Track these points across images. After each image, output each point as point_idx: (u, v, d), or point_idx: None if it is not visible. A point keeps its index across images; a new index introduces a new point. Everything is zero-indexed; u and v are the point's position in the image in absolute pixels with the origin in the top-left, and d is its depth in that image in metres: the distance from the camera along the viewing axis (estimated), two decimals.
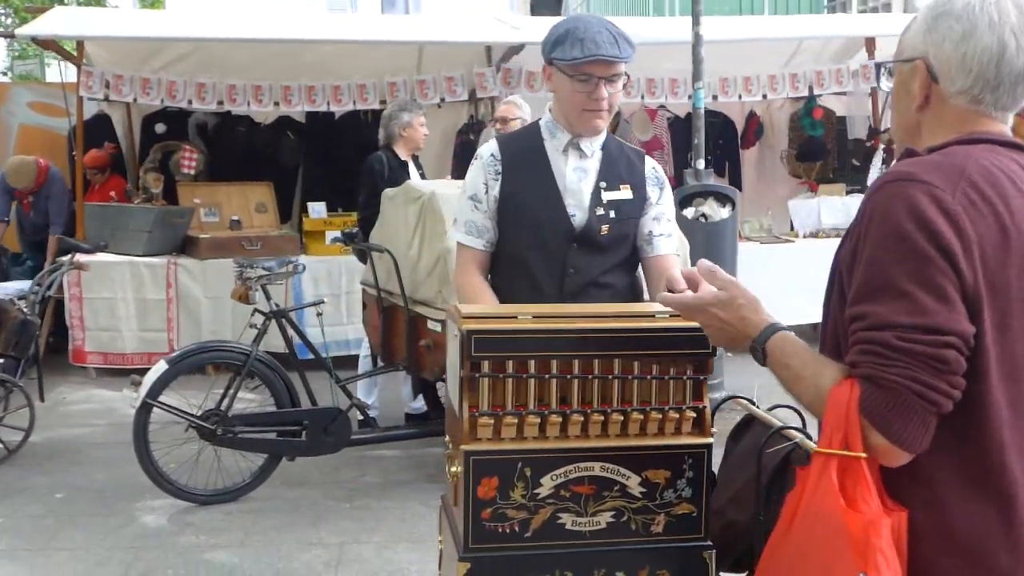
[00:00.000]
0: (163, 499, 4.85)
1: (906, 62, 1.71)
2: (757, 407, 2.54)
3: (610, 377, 2.09)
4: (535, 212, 2.77)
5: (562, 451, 2.07)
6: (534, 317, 2.07)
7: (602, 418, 2.09)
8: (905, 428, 1.51)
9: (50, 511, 4.79)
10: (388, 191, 5.43)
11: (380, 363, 5.61)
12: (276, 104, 8.08)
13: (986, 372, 1.54)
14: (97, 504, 4.88)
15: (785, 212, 9.13)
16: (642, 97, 8.59)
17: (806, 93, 8.97)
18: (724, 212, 6.40)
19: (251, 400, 5.45)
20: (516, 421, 2.06)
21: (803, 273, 8.21)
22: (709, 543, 2.16)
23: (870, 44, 8.89)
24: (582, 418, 2.08)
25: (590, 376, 2.08)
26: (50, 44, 8.11)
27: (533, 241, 2.78)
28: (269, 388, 4.94)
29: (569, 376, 2.07)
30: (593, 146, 2.82)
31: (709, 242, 6.25)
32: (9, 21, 17.52)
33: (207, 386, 5.01)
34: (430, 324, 4.86)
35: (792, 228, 8.77)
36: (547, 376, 2.06)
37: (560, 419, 2.07)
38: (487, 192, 2.81)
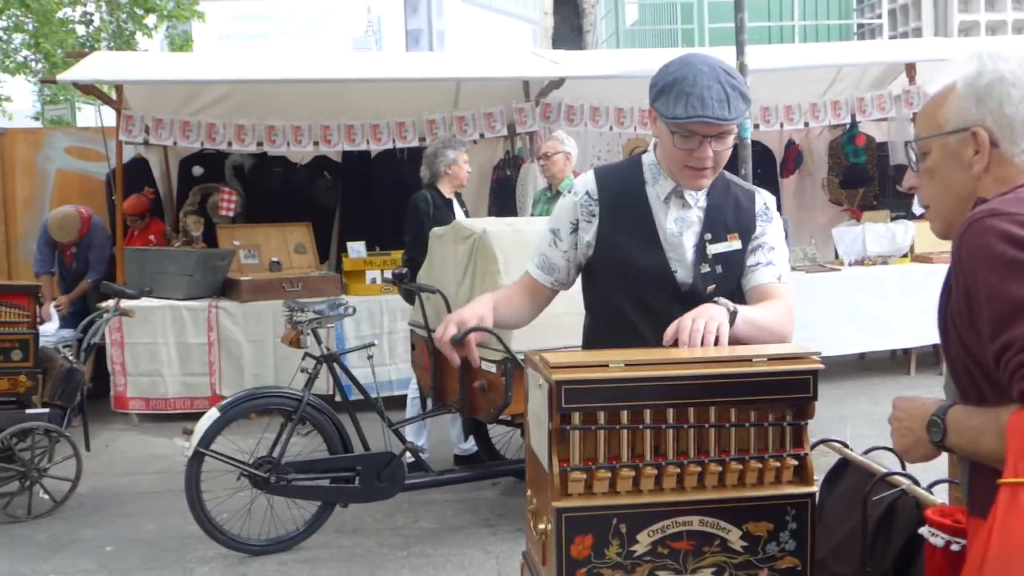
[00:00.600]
0: (215, 550, 4.76)
1: (956, 132, 1.77)
2: (851, 450, 2.43)
3: (706, 426, 1.99)
4: (635, 266, 2.53)
5: (658, 505, 1.97)
6: (626, 365, 1.97)
7: (699, 469, 1.99)
8: None
9: (102, 565, 4.71)
10: (436, 230, 5.36)
11: (430, 405, 5.51)
12: (315, 144, 8.07)
13: None
14: (149, 557, 4.80)
15: (827, 240, 9.01)
16: None
17: (848, 120, 8.85)
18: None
19: (297, 445, 5.35)
20: (609, 475, 1.95)
21: (849, 302, 8.11)
22: None
23: (910, 69, 8.79)
24: (678, 470, 1.98)
25: (685, 425, 1.98)
26: (91, 89, 8.14)
27: (632, 295, 2.54)
28: (321, 434, 4.85)
29: (663, 426, 1.97)
30: (697, 194, 2.56)
31: None
32: (39, 67, 17.76)
33: (255, 432, 4.93)
34: (484, 365, 4.76)
35: (837, 256, 8.64)
36: (640, 427, 1.96)
37: (655, 471, 1.97)
38: (574, 232, 2.62)
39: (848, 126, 9.04)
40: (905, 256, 8.44)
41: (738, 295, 2.55)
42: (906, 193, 9.13)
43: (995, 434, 1.58)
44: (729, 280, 2.55)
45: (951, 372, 1.75)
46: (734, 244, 2.56)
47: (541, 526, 2.04)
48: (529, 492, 2.21)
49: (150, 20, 19.22)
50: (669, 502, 1.97)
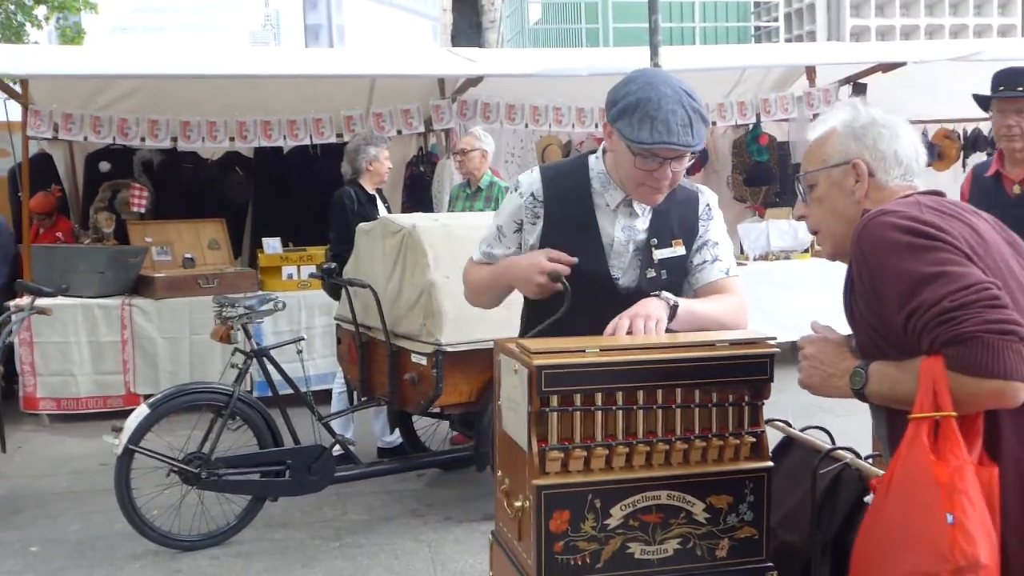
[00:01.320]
0: (145, 546, 4.72)
1: (839, 166, 2.09)
2: (793, 428, 2.60)
3: (672, 406, 2.12)
4: (576, 271, 2.54)
5: (630, 481, 2.09)
6: (601, 350, 2.09)
7: (666, 447, 2.12)
8: (1004, 362, 1.68)
9: (28, 566, 4.63)
10: (363, 225, 5.41)
11: (358, 398, 5.56)
12: (231, 139, 7.99)
13: None
14: (76, 556, 4.73)
15: (732, 235, 9.25)
16: (596, 126, 8.70)
17: (753, 120, 9.16)
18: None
19: (226, 440, 5.33)
20: (584, 454, 2.07)
21: (755, 295, 8.33)
22: (770, 564, 2.20)
23: (810, 72, 9.14)
24: (647, 448, 2.11)
25: (654, 406, 2.10)
26: None
27: (575, 299, 2.53)
28: (252, 428, 4.86)
29: (634, 407, 2.09)
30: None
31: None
32: None
33: (184, 429, 4.91)
34: (414, 358, 4.85)
35: (742, 251, 8.94)
36: (614, 408, 2.08)
37: (626, 450, 2.09)
38: (518, 231, 2.67)
39: (752, 126, 9.35)
40: (806, 251, 8.78)
41: (682, 296, 2.60)
42: None
43: (912, 378, 1.79)
44: (674, 284, 2.61)
45: (860, 350, 1.97)
46: (678, 250, 2.62)
47: (517, 504, 2.15)
48: (500, 473, 2.31)
49: (40, 11, 18.65)
50: (639, 478, 2.09)
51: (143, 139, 7.78)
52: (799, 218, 2.26)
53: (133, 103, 7.96)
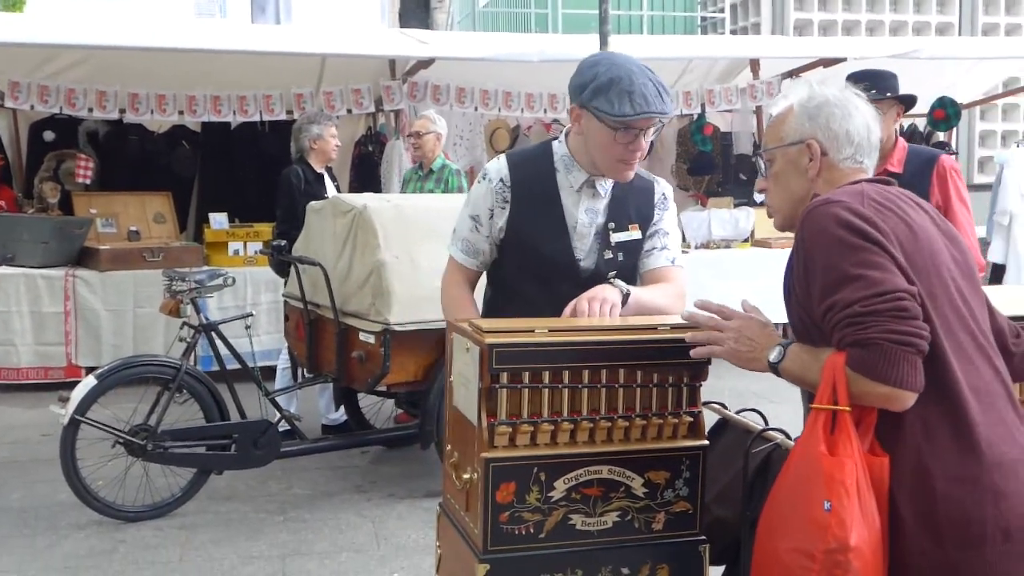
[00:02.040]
0: (88, 517, 4.76)
1: (794, 144, 2.17)
2: (729, 411, 2.74)
3: (615, 386, 2.23)
4: (541, 252, 2.72)
5: (573, 456, 2.20)
6: (549, 331, 2.19)
7: (609, 424, 2.23)
8: (898, 371, 1.83)
9: None
10: (314, 204, 5.46)
11: (304, 374, 5.62)
12: (180, 113, 7.96)
13: (934, 330, 1.91)
14: (19, 525, 4.75)
15: None
16: (544, 111, 8.80)
17: (699, 110, 9.33)
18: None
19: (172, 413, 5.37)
20: (531, 429, 2.18)
21: (696, 282, 8.52)
22: (703, 538, 2.32)
23: (754, 64, 9.31)
24: (591, 425, 2.22)
25: (598, 385, 2.22)
26: None
27: (538, 277, 2.73)
28: (199, 402, 4.90)
29: (579, 385, 2.20)
30: (606, 185, 2.76)
31: None
32: None
33: (130, 401, 4.94)
34: (362, 336, 4.92)
35: (684, 239, 9.11)
36: (560, 386, 2.19)
37: (571, 426, 2.20)
38: (491, 218, 2.77)
39: (696, 116, 9.52)
40: (746, 241, 8.99)
41: (635, 279, 2.79)
42: (748, 181, 9.77)
43: (819, 367, 1.95)
44: (628, 267, 2.77)
45: (792, 330, 2.12)
46: (635, 234, 2.76)
47: (465, 476, 2.25)
48: (450, 447, 2.41)
49: None
50: (582, 453, 2.20)
51: (91, 110, 7.73)
52: (759, 190, 2.39)
53: (81, 73, 7.88)
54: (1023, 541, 1.90)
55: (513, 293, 2.81)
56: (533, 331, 2.18)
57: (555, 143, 2.82)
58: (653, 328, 2.29)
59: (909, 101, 3.91)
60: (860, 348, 1.85)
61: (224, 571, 4.26)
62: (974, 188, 12.38)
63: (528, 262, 2.75)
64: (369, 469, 5.67)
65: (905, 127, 10.64)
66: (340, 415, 6.09)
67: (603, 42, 6.75)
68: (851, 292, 1.87)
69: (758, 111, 9.53)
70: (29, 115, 8.44)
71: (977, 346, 2.01)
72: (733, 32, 15.10)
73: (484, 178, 2.82)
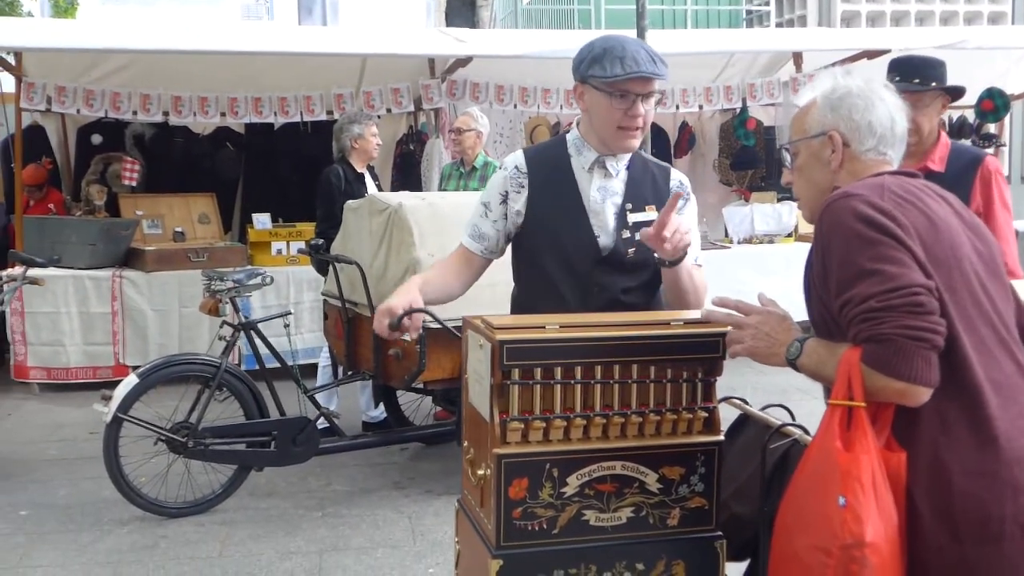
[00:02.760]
0: (131, 513, 4.85)
1: (817, 136, 2.17)
2: (750, 406, 2.72)
3: (629, 381, 2.24)
4: (560, 232, 2.77)
5: (586, 452, 2.21)
6: (561, 327, 2.20)
7: (622, 420, 2.24)
8: (912, 367, 1.82)
9: (18, 528, 4.76)
10: (351, 203, 5.51)
11: (343, 372, 5.68)
12: (222, 115, 8.08)
13: (952, 323, 1.90)
14: (65, 521, 4.86)
15: (717, 219, 9.43)
16: None
17: (740, 104, 9.26)
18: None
19: (213, 411, 5.45)
20: (543, 425, 2.19)
21: (737, 278, 8.46)
22: (720, 534, 2.32)
23: (797, 58, 9.22)
24: (604, 420, 2.22)
25: (611, 381, 2.22)
26: None
27: (558, 259, 2.77)
28: (238, 399, 4.98)
29: (592, 381, 2.21)
30: (619, 166, 2.81)
31: None
32: None
33: (172, 399, 5.03)
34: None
35: (727, 235, 9.06)
36: (573, 382, 2.20)
37: (584, 422, 2.21)
38: (504, 202, 2.83)
39: (739, 110, 9.45)
40: (790, 236, 8.90)
41: (652, 262, 2.79)
42: None
43: (835, 362, 1.94)
44: (647, 247, 2.75)
45: (812, 324, 2.10)
46: (651, 215, 2.78)
47: (480, 472, 2.27)
48: (466, 443, 2.43)
49: None
50: (595, 449, 2.21)
51: (135, 113, 7.88)
52: (786, 183, 2.38)
53: (126, 77, 8.03)
54: None
55: (536, 277, 2.84)
56: (544, 327, 2.20)
57: (568, 134, 2.91)
58: (666, 323, 2.29)
59: (956, 92, 3.58)
60: (875, 344, 1.84)
61: (262, 566, 4.32)
62: None
63: (548, 243, 2.80)
64: (407, 466, 5.71)
65: (954, 118, 10.46)
66: (380, 412, 6.15)
67: (640, 36, 6.72)
68: (867, 287, 1.86)
69: (802, 88, 9.43)
70: (77, 119, 8.62)
71: (999, 339, 1.99)
72: (779, 25, 14.97)
73: (501, 168, 2.92)
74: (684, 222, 2.65)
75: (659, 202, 2.82)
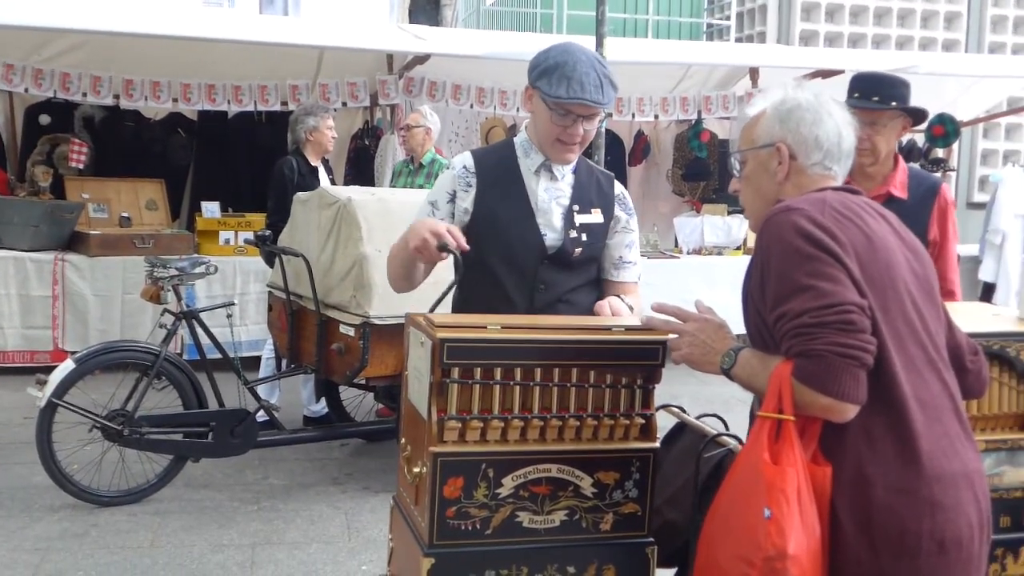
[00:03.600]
0: (62, 500, 4.77)
1: (765, 147, 2.18)
2: (688, 415, 2.74)
3: (568, 385, 2.24)
4: (507, 229, 2.80)
5: (522, 453, 2.21)
6: (502, 327, 2.20)
7: (559, 423, 2.24)
8: (840, 384, 1.85)
9: None
10: (300, 195, 5.47)
11: (286, 365, 5.63)
12: (175, 100, 7.97)
13: (883, 342, 1.93)
14: None
15: (668, 228, 9.50)
16: None
17: (695, 116, 9.33)
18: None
19: (150, 400, 5.38)
20: (481, 425, 2.19)
21: (686, 288, 8.52)
22: (651, 540, 2.33)
23: (753, 73, 9.32)
24: (541, 423, 2.23)
25: (550, 384, 2.23)
26: None
27: (504, 257, 2.79)
28: (177, 389, 4.91)
29: (531, 383, 2.21)
30: (564, 170, 2.87)
31: None
32: None
33: (108, 387, 4.96)
34: (342, 328, 4.93)
35: (676, 244, 9.13)
36: (512, 383, 2.20)
37: (521, 424, 2.21)
38: (452, 201, 2.83)
39: (694, 121, 9.52)
40: (739, 248, 8.99)
41: (597, 265, 2.91)
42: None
43: (765, 376, 1.97)
44: (593, 247, 2.88)
45: (748, 335, 2.13)
46: (597, 217, 2.88)
47: (416, 470, 2.26)
48: (403, 440, 2.42)
49: None
50: (532, 451, 2.21)
51: (85, 95, 7.75)
52: (733, 192, 2.40)
53: (77, 57, 7.90)
54: (957, 553, 1.92)
55: (481, 275, 2.83)
56: (486, 327, 2.19)
57: (516, 137, 2.95)
58: (607, 329, 2.30)
59: (918, 115, 3.44)
60: (805, 359, 1.87)
61: (194, 558, 4.27)
62: (973, 207, 12.40)
63: (495, 242, 2.81)
64: (347, 462, 5.68)
65: (904, 142, 10.63)
66: (322, 407, 6.11)
67: (599, 44, 6.76)
68: (801, 303, 1.89)
69: (752, 98, 9.53)
70: (25, 98, 8.45)
71: (927, 359, 2.02)
72: (739, 39, 15.08)
73: (448, 168, 2.93)
74: (616, 305, 2.70)
75: (604, 205, 2.91)
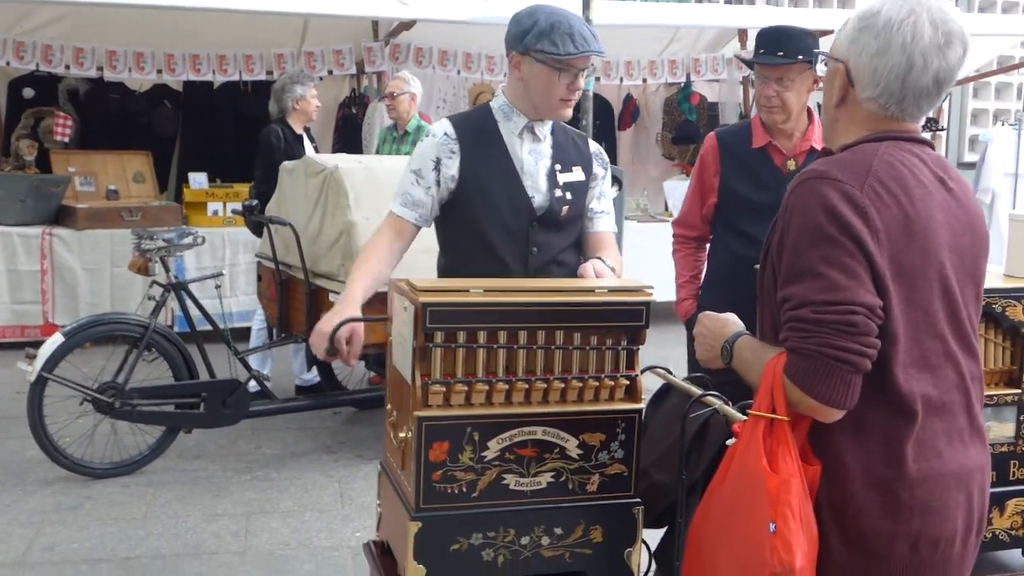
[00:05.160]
0: (56, 473, 4.78)
1: (833, 61, 1.95)
2: (673, 376, 2.74)
3: (552, 347, 2.24)
4: (496, 193, 2.81)
5: (507, 416, 2.22)
6: (485, 291, 2.20)
7: (544, 385, 2.24)
8: (828, 388, 1.76)
9: None
10: (287, 164, 5.44)
11: (276, 335, 5.63)
12: (159, 72, 7.91)
13: (896, 336, 1.80)
14: None
15: (658, 192, 9.47)
16: None
17: (684, 79, 9.28)
18: (612, 192, 6.61)
19: (141, 372, 5.37)
20: (465, 389, 2.19)
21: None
22: (638, 500, 2.34)
23: (742, 35, 9.26)
24: (526, 386, 2.23)
25: (534, 346, 2.23)
26: None
27: (495, 221, 2.81)
28: (167, 360, 4.91)
29: (515, 346, 2.21)
30: (544, 131, 2.89)
31: None
32: None
33: (98, 360, 4.96)
34: (331, 297, 4.91)
35: (666, 208, 9.10)
36: (496, 346, 2.20)
37: (506, 387, 2.21)
38: (436, 169, 2.81)
39: (683, 85, 9.47)
40: None
41: (580, 224, 2.97)
42: None
43: (757, 371, 1.90)
44: (577, 205, 2.92)
45: (759, 289, 2.01)
46: (579, 176, 2.92)
47: (401, 435, 2.27)
48: (389, 406, 2.42)
49: None
50: (517, 414, 2.22)
51: (67, 67, 7.68)
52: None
53: (59, 29, 7.81)
54: (931, 554, 1.85)
55: (472, 242, 2.85)
56: (468, 291, 2.19)
57: (491, 101, 2.96)
58: (590, 291, 2.30)
59: None
60: (798, 356, 1.78)
61: (188, 528, 4.28)
62: (963, 166, 12.38)
63: (485, 207, 2.82)
64: (339, 430, 5.69)
65: None
66: (313, 376, 6.12)
67: (586, 7, 6.69)
68: (807, 290, 1.77)
69: (744, 81, 9.49)
70: (8, 71, 8.36)
71: (945, 352, 1.87)
72: (728, 1, 14.98)
73: (428, 135, 2.90)
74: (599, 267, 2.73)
75: (584, 164, 2.96)
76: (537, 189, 2.85)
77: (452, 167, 2.82)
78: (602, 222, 2.99)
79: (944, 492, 1.85)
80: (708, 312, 2.15)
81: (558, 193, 2.86)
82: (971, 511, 1.89)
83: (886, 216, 1.78)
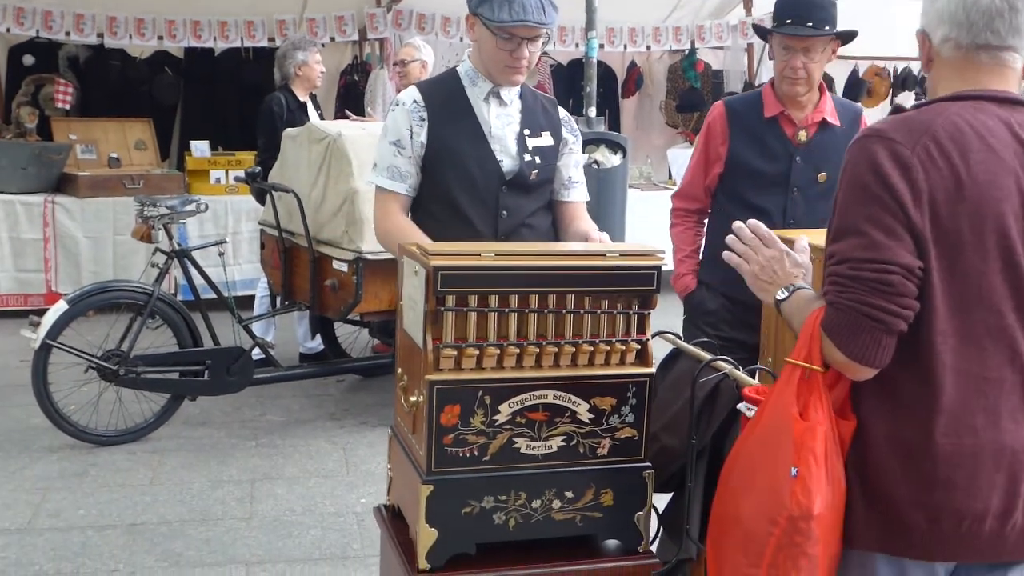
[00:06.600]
0: (61, 440, 4.78)
1: (920, 34, 1.93)
2: (682, 340, 2.74)
3: (563, 311, 2.22)
4: (465, 158, 2.83)
5: (519, 380, 2.20)
6: (496, 255, 2.18)
7: (555, 349, 2.23)
8: (858, 344, 1.76)
9: None
10: (290, 131, 5.41)
11: (280, 302, 5.62)
12: (160, 38, 7.85)
13: (932, 303, 1.76)
14: None
15: (662, 160, 9.44)
16: None
17: (688, 46, 9.22)
18: (616, 159, 6.59)
19: (146, 339, 5.37)
20: (477, 353, 2.18)
21: None
22: (648, 464, 2.33)
23: (747, 1, 9.19)
24: (537, 350, 2.21)
25: (545, 310, 2.21)
26: None
27: (464, 186, 2.83)
28: (171, 328, 4.90)
29: (527, 310, 2.20)
30: (511, 95, 2.91)
31: (601, 189, 6.42)
32: None
33: (102, 327, 4.95)
34: (335, 264, 4.91)
35: (670, 176, 9.07)
36: (507, 310, 2.18)
37: (517, 351, 2.20)
38: (412, 138, 2.84)
39: (688, 52, 9.41)
40: None
41: (550, 187, 3.00)
42: None
43: (802, 319, 1.89)
44: (547, 169, 2.94)
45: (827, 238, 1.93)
46: (548, 140, 2.94)
47: (412, 399, 2.25)
48: (400, 371, 2.41)
49: None
50: (528, 378, 2.20)
51: (68, 33, 7.63)
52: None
53: None
54: (953, 528, 1.81)
55: (443, 207, 2.88)
56: (480, 255, 2.17)
57: (458, 67, 2.96)
58: (601, 255, 2.28)
59: (848, 37, 3.24)
60: (833, 310, 1.78)
61: (193, 494, 4.29)
62: None
63: (454, 172, 2.85)
64: (343, 397, 5.70)
65: (899, 70, 10.53)
66: (317, 343, 6.11)
67: None
68: (849, 248, 1.77)
69: (749, 49, 9.43)
70: (8, 38, 8.32)
71: (999, 327, 1.78)
72: None
73: (397, 105, 2.91)
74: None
75: (552, 129, 2.97)
76: (507, 153, 2.87)
77: (421, 134, 2.85)
78: (576, 192, 3.03)
79: (976, 469, 1.78)
80: (784, 247, 2.05)
81: (527, 157, 2.87)
82: (1015, 492, 1.80)
83: (934, 177, 1.74)
